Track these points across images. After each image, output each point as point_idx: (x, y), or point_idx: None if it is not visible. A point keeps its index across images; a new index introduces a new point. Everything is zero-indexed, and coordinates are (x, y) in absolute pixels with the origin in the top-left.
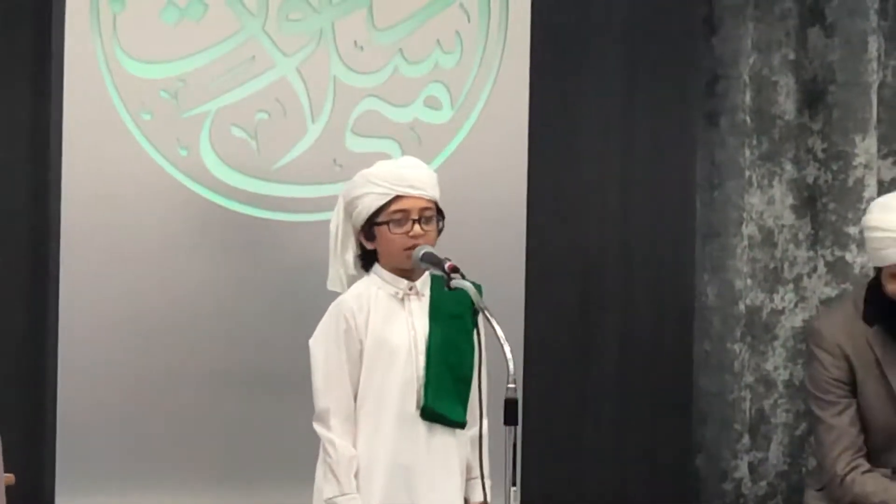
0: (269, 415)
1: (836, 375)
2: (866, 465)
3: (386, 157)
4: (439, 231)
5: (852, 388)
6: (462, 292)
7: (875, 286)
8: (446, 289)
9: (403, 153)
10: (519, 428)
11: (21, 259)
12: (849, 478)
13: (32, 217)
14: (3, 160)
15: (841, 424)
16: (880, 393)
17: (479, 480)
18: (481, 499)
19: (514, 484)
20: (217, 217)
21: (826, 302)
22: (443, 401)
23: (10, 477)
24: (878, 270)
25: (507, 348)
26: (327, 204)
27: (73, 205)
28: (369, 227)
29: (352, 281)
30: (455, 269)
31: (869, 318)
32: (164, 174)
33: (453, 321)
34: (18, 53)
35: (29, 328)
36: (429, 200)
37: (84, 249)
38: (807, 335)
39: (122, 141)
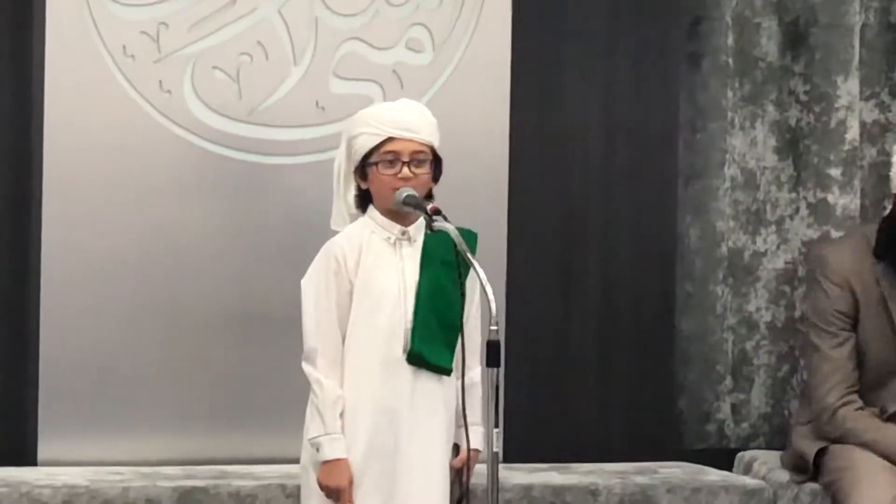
0: (256, 357)
1: (839, 307)
2: (859, 402)
3: (368, 99)
4: (436, 178)
5: (854, 322)
6: (451, 239)
7: (891, 219)
8: (428, 231)
9: (385, 96)
10: (502, 370)
11: (2, 203)
12: (841, 411)
13: (15, 160)
14: None
15: (839, 357)
16: (881, 330)
17: (472, 427)
18: (473, 446)
19: (496, 426)
20: (200, 159)
21: (808, 243)
22: (429, 346)
23: None
24: (894, 200)
25: (489, 290)
26: (310, 146)
27: (56, 147)
28: (363, 166)
29: (354, 220)
30: (437, 212)
31: (879, 252)
32: (147, 117)
33: (444, 268)
34: None
35: (11, 274)
36: (422, 144)
37: (67, 193)
38: (813, 262)
39: (106, 84)
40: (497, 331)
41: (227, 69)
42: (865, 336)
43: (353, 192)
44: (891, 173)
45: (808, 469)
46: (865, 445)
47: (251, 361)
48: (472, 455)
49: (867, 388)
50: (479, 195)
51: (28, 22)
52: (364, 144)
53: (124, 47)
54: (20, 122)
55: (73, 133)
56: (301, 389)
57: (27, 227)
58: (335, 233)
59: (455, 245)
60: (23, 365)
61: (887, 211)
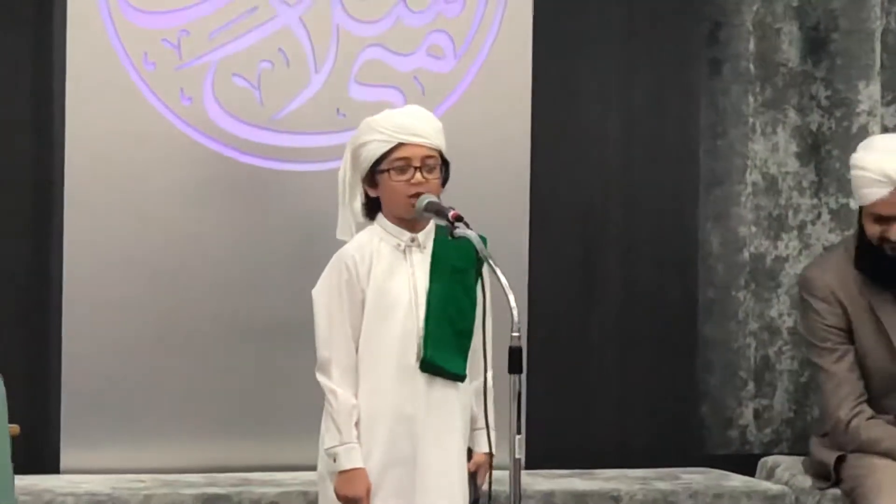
0: (279, 364)
1: (831, 322)
2: (869, 412)
3: (389, 106)
4: (444, 181)
5: (849, 334)
6: (464, 245)
7: (861, 229)
8: (450, 238)
9: (407, 102)
10: (523, 376)
11: (25, 210)
12: (853, 424)
13: (37, 167)
14: (6, 110)
15: (840, 371)
16: (876, 338)
17: (484, 431)
18: (486, 449)
19: (518, 432)
20: (220, 166)
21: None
22: (442, 353)
23: (15, 428)
24: (860, 212)
25: (511, 297)
26: (330, 153)
27: (78, 155)
28: (372, 174)
29: (360, 229)
30: (459, 218)
31: (859, 263)
32: (167, 124)
33: (454, 274)
34: (20, 3)
35: (33, 279)
36: (431, 149)
37: (88, 200)
38: (799, 285)
39: (126, 91)
40: (518, 337)
41: (247, 76)
42: (863, 347)
43: (359, 200)
44: (852, 184)
45: (830, 476)
46: (885, 455)
47: (273, 368)
48: (486, 459)
49: (876, 397)
50: (500, 201)
51: (48, 30)
52: (373, 152)
53: (145, 55)
54: (41, 130)
55: (94, 140)
56: (316, 396)
57: (48, 235)
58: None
59: (476, 253)
60: (45, 373)
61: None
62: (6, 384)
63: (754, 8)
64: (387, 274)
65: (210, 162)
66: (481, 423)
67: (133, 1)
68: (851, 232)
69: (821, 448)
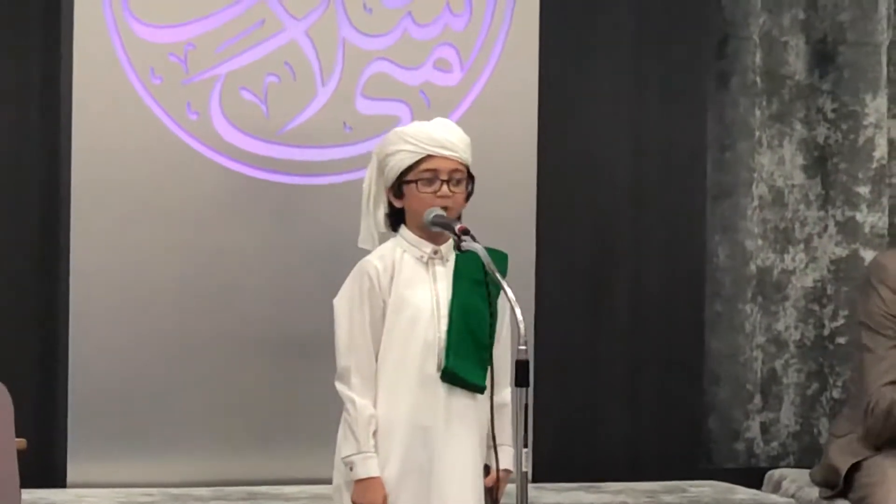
0: (286, 378)
1: (894, 311)
2: None
3: (395, 119)
4: (468, 195)
5: None
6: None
7: None
8: (456, 251)
9: (413, 116)
10: (531, 390)
11: (32, 226)
12: (887, 388)
13: (43, 184)
14: (13, 125)
15: (892, 356)
16: None
17: (502, 447)
18: (504, 466)
19: (525, 445)
20: (227, 180)
21: (836, 262)
22: (463, 364)
23: (22, 442)
24: None
25: (517, 310)
26: (337, 167)
27: (84, 170)
28: (398, 184)
29: (382, 239)
30: (465, 231)
31: None
32: (174, 138)
33: (475, 287)
34: (28, 18)
35: (40, 295)
36: (459, 163)
37: (95, 214)
38: (870, 268)
39: (133, 105)
40: (526, 350)
41: (254, 90)
42: None
43: (382, 210)
44: None
45: (839, 483)
46: None
47: (281, 382)
48: (503, 475)
49: None
50: (507, 215)
51: (56, 44)
52: (401, 162)
53: (152, 69)
54: (48, 144)
55: (101, 154)
56: (330, 411)
57: (56, 249)
58: (365, 252)
59: (484, 265)
60: (52, 387)
61: None
62: (13, 398)
63: (761, 21)
64: (409, 284)
65: (217, 176)
66: (499, 439)
67: (140, 15)
68: (859, 245)
69: (837, 453)
